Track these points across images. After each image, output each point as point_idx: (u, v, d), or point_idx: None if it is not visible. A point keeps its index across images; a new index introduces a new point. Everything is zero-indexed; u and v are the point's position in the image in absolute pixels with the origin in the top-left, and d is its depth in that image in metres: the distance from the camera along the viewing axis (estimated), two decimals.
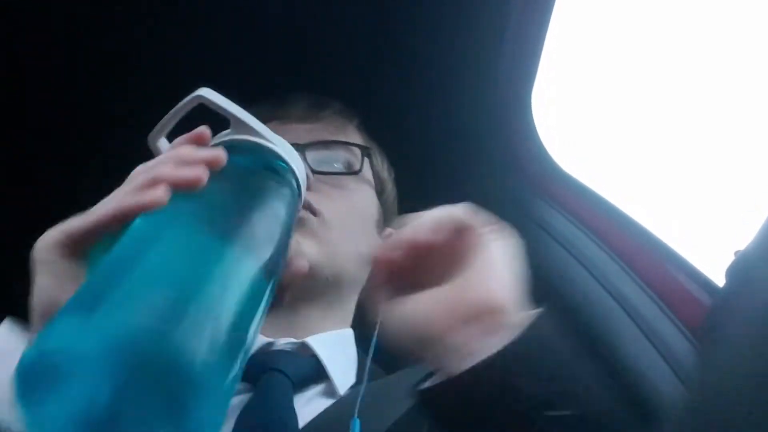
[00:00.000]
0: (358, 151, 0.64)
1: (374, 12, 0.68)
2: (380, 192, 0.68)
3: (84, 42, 0.62)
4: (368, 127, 0.70)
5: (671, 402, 0.47)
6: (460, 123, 0.80)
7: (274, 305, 0.54)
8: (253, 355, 0.54)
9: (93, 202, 0.35)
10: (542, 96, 0.72)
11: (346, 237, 0.59)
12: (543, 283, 0.65)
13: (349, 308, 0.62)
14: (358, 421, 0.47)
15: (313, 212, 0.57)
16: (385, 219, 0.69)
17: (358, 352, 0.58)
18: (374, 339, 0.56)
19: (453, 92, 0.77)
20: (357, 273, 0.60)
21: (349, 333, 0.61)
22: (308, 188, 0.52)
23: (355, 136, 0.66)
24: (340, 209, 0.60)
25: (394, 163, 0.74)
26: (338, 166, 0.63)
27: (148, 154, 0.40)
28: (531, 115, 0.74)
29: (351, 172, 0.63)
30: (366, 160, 0.65)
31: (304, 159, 0.56)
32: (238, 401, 0.50)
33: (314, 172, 0.59)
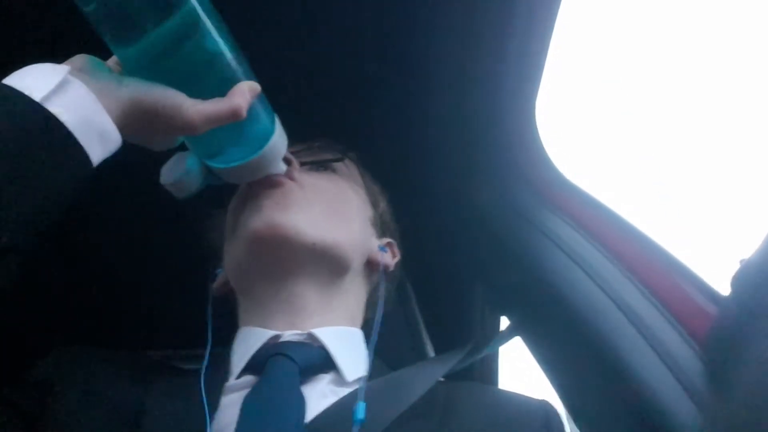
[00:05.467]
0: (340, 155, 0.68)
1: (378, 18, 0.68)
2: (374, 203, 0.69)
3: None
4: (372, 139, 0.71)
5: (674, 411, 0.47)
6: (463, 131, 0.80)
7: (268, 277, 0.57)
8: (261, 348, 0.55)
9: None
10: (546, 104, 0.72)
11: (330, 209, 0.60)
12: (547, 292, 0.66)
13: (348, 299, 0.62)
14: (363, 404, 0.47)
15: (291, 178, 0.59)
16: (383, 231, 0.69)
17: (369, 355, 0.58)
18: (375, 334, 0.57)
19: (456, 100, 0.77)
20: (349, 254, 0.60)
21: (356, 331, 0.61)
22: (290, 163, 0.59)
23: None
24: (322, 184, 0.62)
25: (398, 171, 0.74)
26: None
27: None
28: (535, 123, 0.74)
29: (333, 159, 0.67)
30: (347, 159, 0.68)
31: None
32: (245, 388, 0.51)
33: (301, 163, 0.63)
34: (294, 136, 0.58)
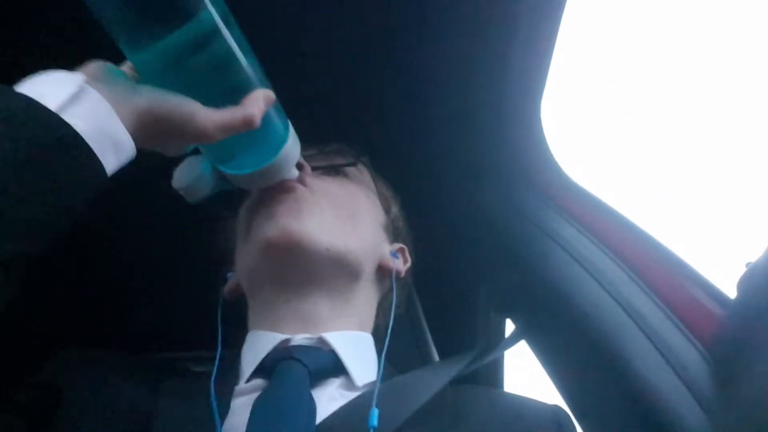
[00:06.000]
0: (353, 160, 0.69)
1: (382, 24, 0.69)
2: (386, 209, 0.69)
3: None
4: (378, 141, 0.71)
5: (680, 414, 0.48)
6: (468, 133, 0.81)
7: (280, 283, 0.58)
8: (271, 351, 0.55)
9: None
10: (551, 106, 0.73)
11: (341, 214, 0.60)
12: (553, 294, 0.66)
13: (360, 305, 0.62)
14: (377, 411, 0.47)
15: (303, 183, 0.59)
16: (395, 237, 0.70)
17: (379, 360, 0.58)
18: (387, 337, 0.57)
19: (461, 103, 0.77)
20: (361, 260, 0.60)
21: (367, 336, 0.61)
22: (302, 168, 0.59)
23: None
24: (334, 190, 0.62)
25: (404, 173, 0.74)
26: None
27: None
28: (540, 125, 0.74)
29: (346, 164, 0.67)
30: (360, 164, 0.69)
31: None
32: (255, 391, 0.51)
33: (313, 168, 0.63)
34: (306, 140, 0.59)
